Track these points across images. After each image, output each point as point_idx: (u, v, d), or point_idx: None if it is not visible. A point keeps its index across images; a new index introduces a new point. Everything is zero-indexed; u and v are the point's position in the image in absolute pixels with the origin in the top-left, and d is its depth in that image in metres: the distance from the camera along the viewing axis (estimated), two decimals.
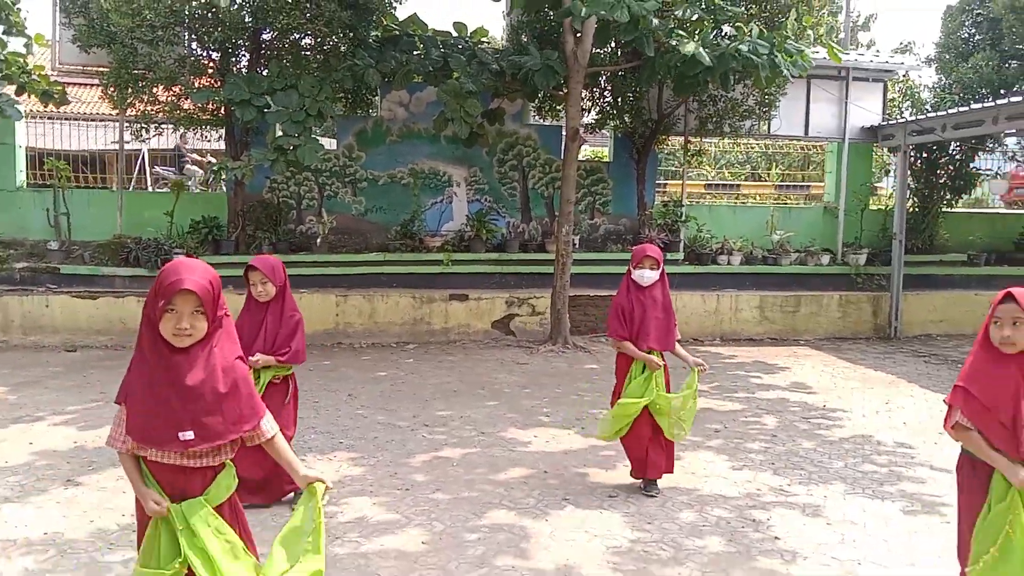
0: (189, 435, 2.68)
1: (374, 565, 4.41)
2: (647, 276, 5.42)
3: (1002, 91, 12.85)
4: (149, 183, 17.03)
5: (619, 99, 12.56)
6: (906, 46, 28.91)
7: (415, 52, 11.18)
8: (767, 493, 5.65)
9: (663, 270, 5.50)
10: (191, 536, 2.74)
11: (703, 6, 9.81)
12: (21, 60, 10.84)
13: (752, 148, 19.07)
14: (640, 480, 5.66)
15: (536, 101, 12.41)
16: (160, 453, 2.74)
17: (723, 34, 10.10)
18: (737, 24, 10.12)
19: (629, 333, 5.44)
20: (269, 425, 2.91)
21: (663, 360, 5.53)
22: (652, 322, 5.39)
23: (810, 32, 10.27)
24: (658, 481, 5.62)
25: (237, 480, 2.96)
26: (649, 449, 5.49)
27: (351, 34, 10.84)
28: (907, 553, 4.67)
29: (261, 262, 4.96)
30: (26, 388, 8.42)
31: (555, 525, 5.02)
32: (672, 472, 5.65)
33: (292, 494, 5.16)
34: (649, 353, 5.43)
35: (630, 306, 5.45)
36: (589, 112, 12.88)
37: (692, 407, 5.50)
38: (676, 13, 9.62)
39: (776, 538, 4.87)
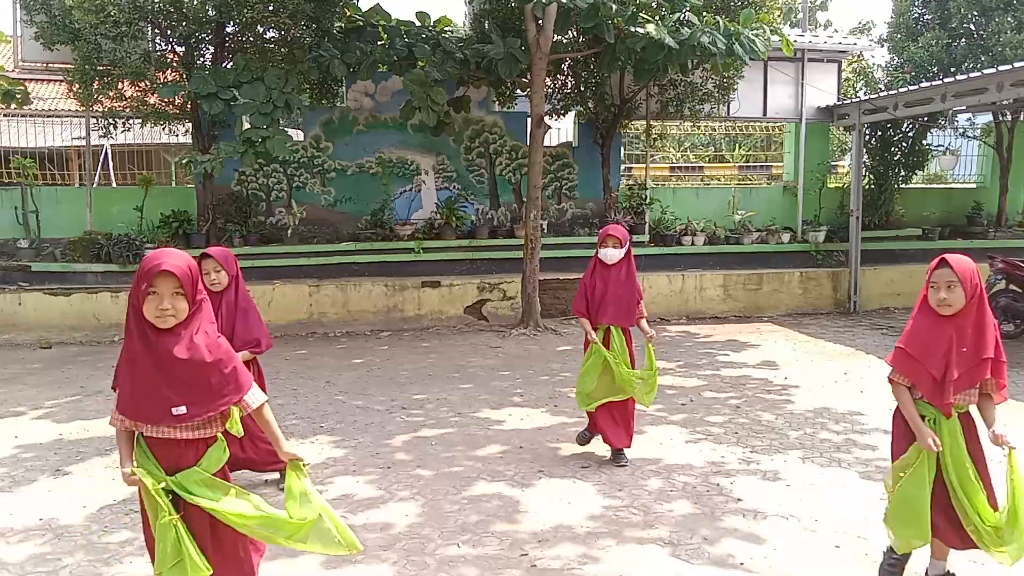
0: (181, 410, 2.91)
1: (362, 536, 4.62)
2: (610, 255, 5.69)
3: (952, 69, 13.29)
4: (113, 179, 16.99)
5: (582, 85, 12.80)
6: (864, 25, 29.43)
7: (379, 42, 11.33)
8: (730, 461, 5.95)
9: (628, 249, 5.75)
10: (189, 495, 2.97)
11: None
12: None
13: (715, 130, 19.40)
14: (610, 451, 5.94)
15: (501, 88, 12.59)
16: (155, 428, 2.95)
17: (683, 20, 10.35)
18: (698, 12, 10.37)
19: (589, 310, 5.73)
20: (255, 397, 3.12)
21: (626, 336, 5.78)
22: (612, 300, 5.67)
23: (765, 27, 10.54)
24: (626, 451, 5.90)
25: (228, 453, 3.17)
26: (605, 419, 5.81)
27: (315, 26, 10.94)
28: (862, 512, 4.98)
29: (215, 251, 5.13)
30: (5, 385, 8.51)
31: (533, 495, 5.29)
32: (629, 446, 5.93)
33: (279, 474, 5.36)
34: (607, 329, 5.71)
35: (593, 284, 5.74)
36: (553, 98, 13.09)
37: (653, 378, 5.80)
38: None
39: (739, 499, 5.18)
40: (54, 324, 11.00)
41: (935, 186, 16.17)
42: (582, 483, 5.50)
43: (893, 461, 3.79)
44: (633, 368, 5.78)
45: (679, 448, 6.26)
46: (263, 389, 5.43)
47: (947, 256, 3.59)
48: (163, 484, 2.96)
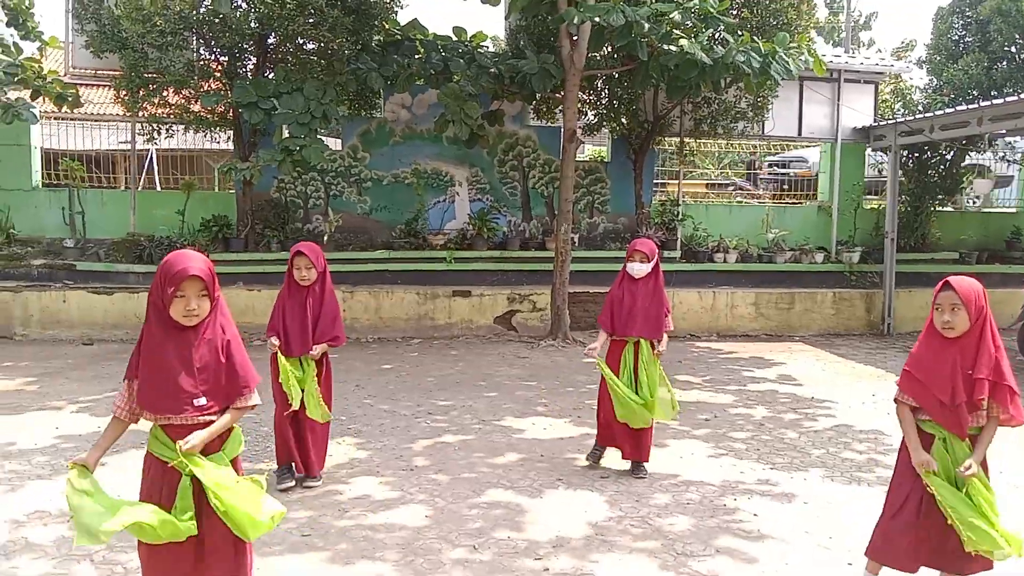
0: (202, 400, 3.12)
1: (379, 536, 4.77)
2: (637, 269, 5.78)
3: (992, 92, 13.18)
4: (158, 183, 17.43)
5: (615, 101, 12.91)
6: (907, 44, 29.20)
7: (416, 56, 11.53)
8: (748, 476, 5.98)
9: (657, 264, 5.83)
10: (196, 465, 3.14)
11: (697, 15, 10.12)
12: (36, 65, 11.19)
13: (755, 148, 19.38)
14: (629, 464, 6.01)
15: (534, 103, 12.75)
16: (181, 418, 3.12)
17: (717, 39, 10.41)
18: (733, 31, 10.43)
19: (614, 324, 5.81)
20: (253, 396, 3.29)
21: (654, 348, 5.84)
22: (639, 313, 5.73)
23: (803, 48, 10.56)
24: (645, 465, 5.96)
25: (243, 446, 3.39)
26: (622, 432, 5.87)
27: (354, 39, 11.18)
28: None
29: (307, 248, 5.38)
30: (48, 378, 8.80)
31: (546, 504, 5.37)
32: (646, 460, 5.97)
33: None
34: (636, 342, 5.77)
35: (620, 297, 5.82)
36: (586, 114, 13.23)
37: (653, 402, 5.77)
38: (672, 16, 9.93)
39: (754, 515, 5.21)
40: (96, 322, 11.32)
41: (973, 210, 15.97)
42: (595, 494, 5.57)
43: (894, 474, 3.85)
44: (648, 385, 5.77)
45: (698, 464, 6.30)
46: (330, 378, 5.69)
47: (951, 279, 3.61)
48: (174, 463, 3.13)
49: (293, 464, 5.58)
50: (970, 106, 11.58)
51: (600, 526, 5.00)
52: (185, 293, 3.06)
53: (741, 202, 16.80)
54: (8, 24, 10.89)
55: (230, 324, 3.24)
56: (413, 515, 5.10)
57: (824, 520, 5.14)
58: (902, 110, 14.74)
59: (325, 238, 12.57)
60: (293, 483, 5.54)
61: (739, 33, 10.45)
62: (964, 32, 14.57)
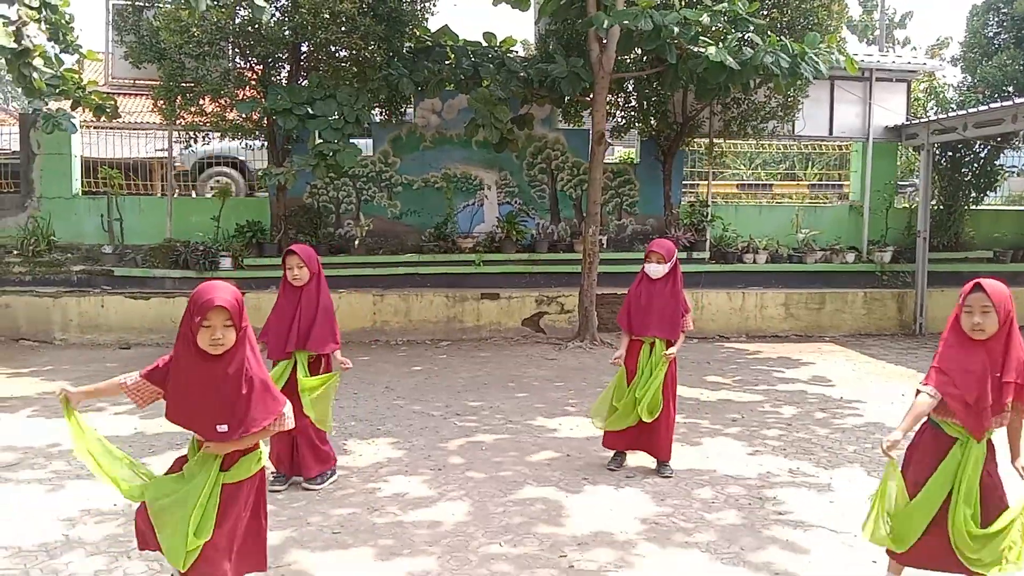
0: (224, 427, 3.30)
1: (419, 532, 4.90)
2: (653, 270, 5.86)
3: None
4: (193, 190, 17.74)
5: (644, 103, 12.95)
6: (942, 42, 28.84)
7: (447, 62, 11.66)
8: (781, 474, 6.03)
9: (675, 264, 5.88)
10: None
11: (726, 17, 10.13)
12: (76, 76, 11.49)
13: (787, 148, 19.26)
14: (656, 462, 6.08)
15: (563, 106, 12.82)
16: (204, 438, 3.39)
17: (745, 41, 10.42)
18: (762, 32, 10.42)
19: (631, 324, 5.91)
20: (289, 416, 3.48)
21: (668, 348, 5.88)
22: (655, 312, 5.81)
23: (833, 48, 10.52)
24: (670, 463, 6.02)
25: (262, 463, 3.56)
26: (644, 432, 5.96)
27: (385, 46, 11.34)
28: None
29: (299, 248, 5.46)
30: (87, 381, 8.99)
31: (581, 500, 5.47)
32: (667, 459, 6.03)
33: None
34: (652, 342, 5.85)
35: (638, 296, 5.89)
36: (615, 116, 13.27)
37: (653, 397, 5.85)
38: (701, 20, 9.95)
39: (785, 512, 5.26)
40: (133, 326, 11.60)
41: (1008, 208, 15.76)
42: (630, 490, 5.65)
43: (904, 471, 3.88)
44: (664, 386, 5.85)
45: (730, 460, 6.35)
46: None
47: (981, 280, 3.64)
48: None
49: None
50: (1004, 103, 11.45)
51: (649, 520, 5.11)
52: (211, 323, 3.21)
53: (771, 202, 16.72)
54: (49, 38, 11.18)
55: (256, 357, 3.39)
56: (452, 511, 5.23)
57: (852, 516, 5.17)
58: (935, 108, 14.59)
59: (356, 242, 12.75)
60: (281, 487, 5.58)
61: (767, 34, 10.44)
62: (999, 29, 14.38)
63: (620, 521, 5.09)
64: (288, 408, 3.47)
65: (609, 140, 12.03)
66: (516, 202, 13.53)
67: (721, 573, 4.40)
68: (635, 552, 4.65)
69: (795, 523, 5.09)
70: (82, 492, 5.51)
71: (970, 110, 12.13)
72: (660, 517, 5.16)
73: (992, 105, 11.64)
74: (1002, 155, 14.39)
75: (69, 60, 11.75)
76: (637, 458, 6.34)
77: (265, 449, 3.65)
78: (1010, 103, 11.18)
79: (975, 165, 14.03)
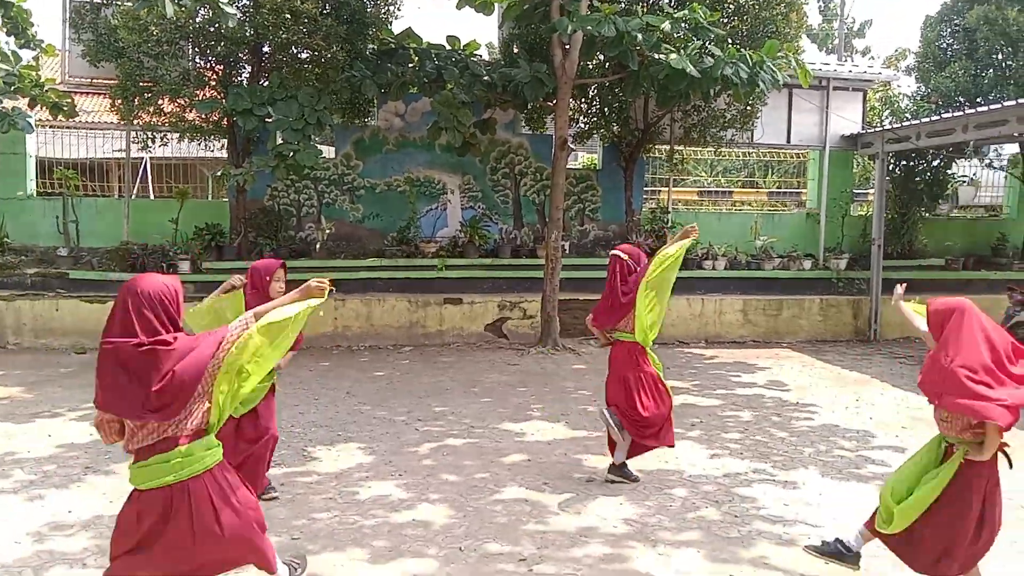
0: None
1: (408, 533, 4.93)
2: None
3: (979, 100, 13.35)
4: (152, 191, 17.50)
5: (606, 109, 13.06)
6: (901, 53, 29.45)
7: (410, 64, 11.67)
8: (746, 474, 6.16)
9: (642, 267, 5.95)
10: None
11: (687, 25, 10.26)
12: (34, 74, 11.28)
13: (748, 155, 19.55)
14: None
15: (526, 112, 12.88)
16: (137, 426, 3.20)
17: (706, 50, 10.57)
18: (721, 42, 10.58)
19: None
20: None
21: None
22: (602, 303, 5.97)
23: (790, 56, 10.72)
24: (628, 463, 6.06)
25: (213, 459, 3.31)
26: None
27: (348, 47, 11.30)
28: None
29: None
30: (42, 387, 8.87)
31: (563, 500, 5.55)
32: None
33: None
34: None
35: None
36: (578, 122, 13.36)
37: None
38: (662, 27, 10.07)
39: (762, 507, 5.43)
40: (89, 330, 11.36)
41: (959, 216, 16.17)
42: (608, 492, 5.73)
43: None
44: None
45: (696, 463, 6.45)
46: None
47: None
48: None
49: None
50: (955, 114, 11.75)
51: (630, 520, 5.19)
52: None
53: (731, 209, 16.96)
54: (8, 33, 10.96)
55: (194, 343, 3.21)
56: (437, 513, 5.27)
57: (823, 512, 5.28)
58: (890, 118, 14.91)
59: (318, 246, 12.67)
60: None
61: (727, 44, 10.59)
62: (952, 40, 14.73)
63: (605, 520, 5.18)
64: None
65: (572, 146, 12.11)
66: (479, 207, 13.56)
67: (719, 569, 4.50)
68: (629, 546, 4.75)
69: (772, 518, 5.22)
70: (55, 502, 5.40)
71: (923, 120, 12.43)
72: (645, 516, 5.25)
73: (944, 115, 11.93)
74: (954, 164, 14.74)
75: (26, 56, 11.55)
76: (607, 460, 6.39)
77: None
78: (960, 114, 11.48)
79: (928, 174, 14.35)
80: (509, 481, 5.91)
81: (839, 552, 4.25)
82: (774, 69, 10.40)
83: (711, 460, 6.54)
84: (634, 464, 6.04)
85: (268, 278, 5.27)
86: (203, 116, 11.81)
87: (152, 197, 17.21)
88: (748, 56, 10.35)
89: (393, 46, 11.89)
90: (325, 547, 4.70)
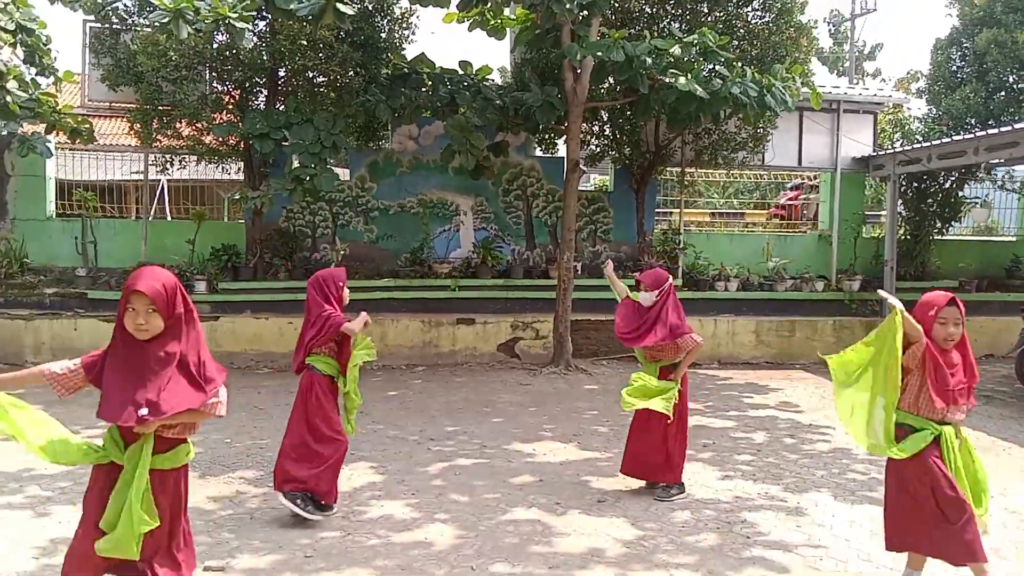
0: (144, 411, 3.22)
1: (412, 553, 4.95)
2: (644, 297, 6.09)
3: (990, 122, 13.40)
4: (168, 213, 17.72)
5: (617, 132, 13.18)
6: (913, 75, 29.52)
7: (424, 89, 11.81)
8: (755, 498, 6.15)
9: (662, 291, 6.03)
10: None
11: (697, 49, 10.37)
12: (52, 100, 11.49)
13: (761, 177, 19.63)
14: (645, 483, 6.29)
15: (538, 135, 13.01)
16: (125, 424, 3.27)
17: (715, 72, 10.67)
18: (730, 65, 10.68)
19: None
20: (219, 402, 3.42)
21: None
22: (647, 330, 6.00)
23: (798, 79, 10.82)
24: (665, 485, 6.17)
25: (190, 457, 3.56)
26: (649, 452, 6.08)
27: (363, 72, 11.48)
28: (867, 551, 5.12)
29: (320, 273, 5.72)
30: (60, 405, 8.82)
31: (569, 522, 5.56)
32: (675, 481, 6.16)
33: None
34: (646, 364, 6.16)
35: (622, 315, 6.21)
36: (589, 144, 13.49)
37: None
38: (672, 52, 10.18)
39: (764, 533, 5.40)
40: None
41: (973, 238, 16.16)
42: (612, 513, 5.75)
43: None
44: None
45: (704, 486, 6.45)
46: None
47: (956, 296, 4.14)
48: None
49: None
50: (966, 135, 11.80)
51: (632, 542, 5.20)
52: (135, 307, 3.25)
53: (742, 231, 17.00)
54: (25, 61, 11.19)
55: (197, 346, 3.36)
56: (442, 533, 5.29)
57: (816, 539, 5.28)
58: (901, 140, 14.96)
59: (332, 266, 12.77)
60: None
61: (736, 66, 10.70)
62: (962, 63, 14.80)
63: (605, 543, 5.19)
64: (221, 395, 3.41)
65: (584, 168, 12.21)
66: (492, 228, 13.66)
67: None
68: (631, 569, 4.76)
69: (771, 544, 5.20)
70: (64, 518, 5.47)
71: (934, 142, 12.48)
72: (647, 539, 5.27)
73: (955, 137, 11.98)
74: (966, 186, 14.76)
75: (45, 82, 11.77)
76: (616, 481, 6.43)
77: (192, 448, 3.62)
78: (972, 136, 11.53)
79: (940, 196, 14.38)
80: (520, 502, 5.94)
81: None
82: (783, 91, 10.48)
83: (721, 482, 6.54)
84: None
85: (342, 284, 5.59)
86: (220, 139, 11.99)
87: (169, 218, 17.42)
88: (755, 75, 10.44)
89: (407, 71, 12.05)
90: (330, 566, 4.73)
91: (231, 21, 9.08)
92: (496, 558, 4.88)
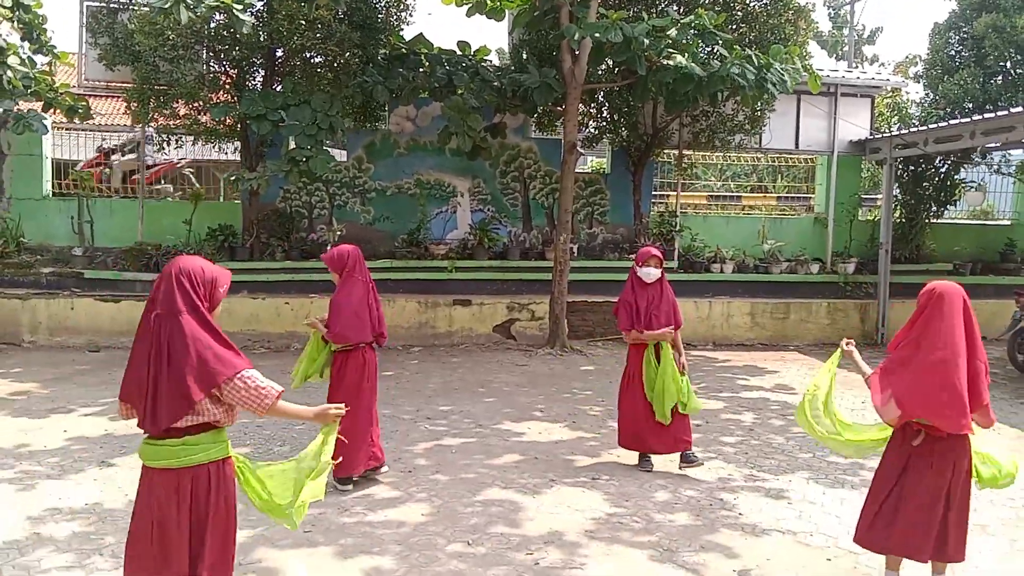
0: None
1: (379, 532, 5.00)
2: (651, 274, 6.19)
3: (987, 106, 13.38)
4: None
5: (615, 114, 13.17)
6: (911, 59, 29.44)
7: (421, 70, 11.79)
8: (737, 478, 6.21)
9: (663, 269, 6.28)
10: None
11: (694, 30, 10.36)
12: (49, 78, 11.47)
13: (758, 160, 19.61)
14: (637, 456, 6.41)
15: (536, 116, 13.00)
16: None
17: (714, 53, 10.66)
18: (729, 46, 10.66)
19: (638, 325, 6.15)
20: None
21: (674, 346, 6.29)
22: (660, 314, 6.17)
23: (796, 60, 10.81)
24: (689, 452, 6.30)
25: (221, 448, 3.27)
26: (643, 426, 6.20)
27: (361, 53, 11.46)
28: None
29: (324, 257, 5.95)
30: (57, 384, 9.03)
31: (542, 501, 5.61)
32: (674, 451, 6.31)
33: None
34: (656, 344, 6.23)
35: (634, 301, 6.18)
36: (587, 126, 13.48)
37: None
38: (669, 33, 10.16)
39: (740, 514, 5.43)
40: (103, 329, 11.56)
41: (968, 222, 16.20)
42: (591, 492, 5.80)
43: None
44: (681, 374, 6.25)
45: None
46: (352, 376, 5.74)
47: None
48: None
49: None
50: (963, 120, 11.80)
51: (600, 521, 5.25)
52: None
53: (740, 214, 17.03)
54: (23, 38, 11.16)
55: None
56: (412, 513, 5.34)
57: (807, 518, 5.35)
58: (898, 123, 14.96)
59: (329, 247, 12.79)
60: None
61: (734, 48, 10.68)
62: (960, 47, 14.75)
63: (579, 521, 5.25)
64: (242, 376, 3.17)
65: (581, 150, 12.22)
66: (489, 209, 13.68)
67: (664, 571, 4.55)
68: (582, 552, 4.80)
69: (752, 523, 5.26)
70: (51, 491, 5.55)
71: (931, 126, 12.48)
72: (622, 517, 5.31)
73: (952, 122, 11.99)
74: (962, 170, 14.78)
75: (41, 61, 11.75)
76: (602, 460, 6.50)
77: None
78: (968, 120, 11.53)
79: (936, 179, 14.40)
80: (493, 482, 5.98)
81: None
82: (781, 72, 10.48)
83: (707, 462, 6.56)
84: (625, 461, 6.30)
85: (360, 259, 5.88)
86: (217, 120, 11.98)
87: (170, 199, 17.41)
88: (755, 57, 10.43)
89: (405, 52, 12.02)
90: (297, 543, 4.80)
91: (235, 10, 9.06)
92: (454, 539, 4.92)
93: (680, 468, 6.28)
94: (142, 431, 3.17)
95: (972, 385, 3.94)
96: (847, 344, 4.59)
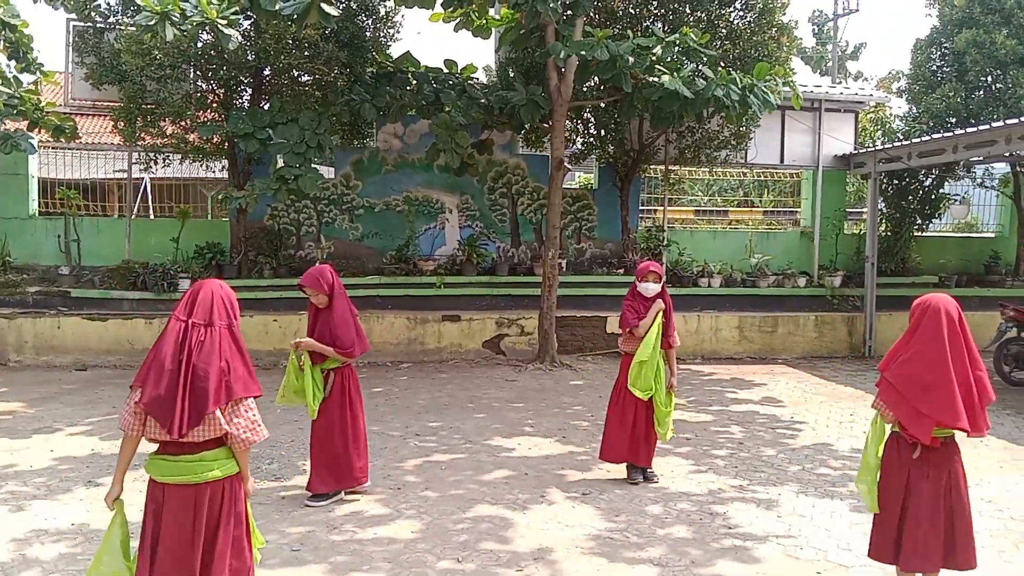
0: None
1: (368, 550, 4.98)
2: (651, 288, 6.28)
3: (969, 120, 13.54)
4: (152, 211, 17.67)
5: (602, 131, 13.26)
6: (895, 75, 29.72)
7: (408, 88, 11.83)
8: (728, 491, 6.22)
9: (663, 284, 6.39)
10: None
11: (679, 48, 10.45)
12: (35, 98, 11.45)
13: (744, 175, 19.74)
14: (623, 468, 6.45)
15: (523, 133, 13.07)
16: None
17: (699, 72, 10.75)
18: (713, 65, 10.76)
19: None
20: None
21: (667, 363, 6.37)
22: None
23: (779, 80, 10.91)
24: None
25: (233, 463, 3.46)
26: (630, 437, 6.24)
27: (348, 71, 11.50)
28: (847, 541, 5.22)
29: (303, 279, 5.77)
30: (43, 403, 8.97)
31: (532, 517, 5.60)
32: (648, 466, 6.35)
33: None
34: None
35: (636, 312, 6.27)
36: (574, 143, 13.56)
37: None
38: (655, 51, 10.25)
39: (731, 527, 5.44)
40: (90, 348, 11.49)
41: (952, 234, 16.36)
42: (583, 507, 5.80)
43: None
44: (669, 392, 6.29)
45: (680, 478, 6.53)
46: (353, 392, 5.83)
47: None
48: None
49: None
50: (946, 134, 11.94)
51: (591, 536, 5.25)
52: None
53: (726, 228, 17.13)
54: (9, 57, 11.15)
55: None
56: (402, 530, 5.32)
57: (797, 531, 5.37)
58: (882, 138, 15.10)
59: (317, 264, 12.77)
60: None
61: (719, 67, 10.78)
62: (942, 63, 14.92)
63: (571, 537, 5.24)
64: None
65: (568, 166, 12.28)
66: (477, 225, 13.72)
67: None
68: (571, 568, 4.79)
69: (747, 535, 5.28)
70: (38, 512, 5.50)
71: (914, 140, 12.62)
72: (613, 532, 5.31)
73: (935, 136, 12.13)
74: (946, 183, 14.92)
75: (27, 80, 11.73)
76: (592, 474, 6.50)
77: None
78: (951, 134, 11.67)
79: (920, 193, 14.54)
80: (483, 498, 5.98)
81: None
82: (765, 91, 10.58)
83: (698, 476, 6.62)
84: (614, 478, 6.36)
85: (338, 276, 5.85)
86: (204, 138, 11.96)
87: (153, 217, 17.38)
88: (739, 78, 10.53)
89: (392, 70, 12.06)
90: (286, 562, 4.78)
91: (219, 26, 9.07)
92: (443, 556, 4.91)
93: (630, 479, 6.36)
94: (154, 445, 3.32)
95: (980, 391, 4.02)
96: None
